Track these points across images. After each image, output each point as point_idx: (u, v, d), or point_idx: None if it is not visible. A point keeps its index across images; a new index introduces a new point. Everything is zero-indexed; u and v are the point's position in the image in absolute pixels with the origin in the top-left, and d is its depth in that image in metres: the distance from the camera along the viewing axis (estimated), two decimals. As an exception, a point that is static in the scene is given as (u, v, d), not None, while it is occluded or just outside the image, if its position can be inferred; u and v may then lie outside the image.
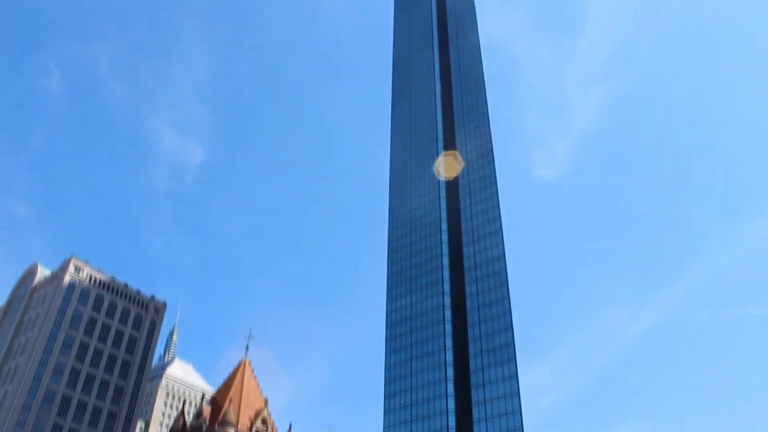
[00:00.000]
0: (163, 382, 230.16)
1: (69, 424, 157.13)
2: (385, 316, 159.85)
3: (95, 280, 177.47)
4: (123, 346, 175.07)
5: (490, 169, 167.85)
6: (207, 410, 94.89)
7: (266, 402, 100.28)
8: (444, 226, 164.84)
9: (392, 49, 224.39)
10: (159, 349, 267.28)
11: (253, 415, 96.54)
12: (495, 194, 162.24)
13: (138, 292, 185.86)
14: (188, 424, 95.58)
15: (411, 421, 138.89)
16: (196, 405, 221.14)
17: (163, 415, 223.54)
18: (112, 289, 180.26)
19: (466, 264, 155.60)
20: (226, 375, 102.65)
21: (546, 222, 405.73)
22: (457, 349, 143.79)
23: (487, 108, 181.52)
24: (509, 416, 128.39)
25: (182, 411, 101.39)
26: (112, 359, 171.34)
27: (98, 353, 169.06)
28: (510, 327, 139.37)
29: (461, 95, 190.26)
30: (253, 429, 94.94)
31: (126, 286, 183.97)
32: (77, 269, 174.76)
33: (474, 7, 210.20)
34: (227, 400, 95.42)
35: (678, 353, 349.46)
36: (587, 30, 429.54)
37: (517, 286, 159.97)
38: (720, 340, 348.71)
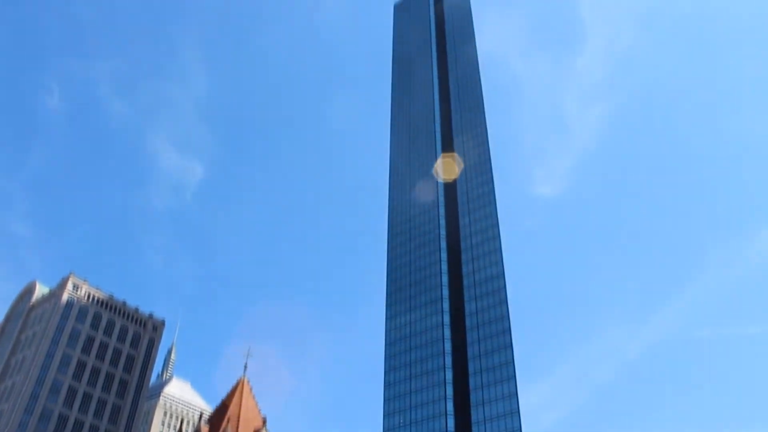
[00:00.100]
0: (161, 400, 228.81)
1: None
2: (384, 334, 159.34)
3: (93, 298, 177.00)
4: (121, 364, 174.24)
5: (489, 187, 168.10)
6: (205, 429, 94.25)
7: (265, 421, 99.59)
8: (443, 244, 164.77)
9: (391, 68, 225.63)
10: (157, 367, 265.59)
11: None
12: (494, 212, 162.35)
13: (136, 309, 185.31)
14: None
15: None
16: (194, 424, 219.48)
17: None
18: (111, 307, 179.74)
19: (465, 282, 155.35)
20: (224, 393, 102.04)
21: (545, 240, 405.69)
22: (457, 367, 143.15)
23: (485, 125, 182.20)
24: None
25: (180, 430, 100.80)
26: (109, 377, 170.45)
27: (96, 371, 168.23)
28: (510, 345, 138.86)
29: (460, 113, 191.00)
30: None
31: (124, 303, 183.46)
32: (75, 287, 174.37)
33: (472, 26, 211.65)
34: (225, 419, 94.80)
35: (678, 371, 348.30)
36: (586, 47, 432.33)
37: (516, 304, 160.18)
38: (720, 358, 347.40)
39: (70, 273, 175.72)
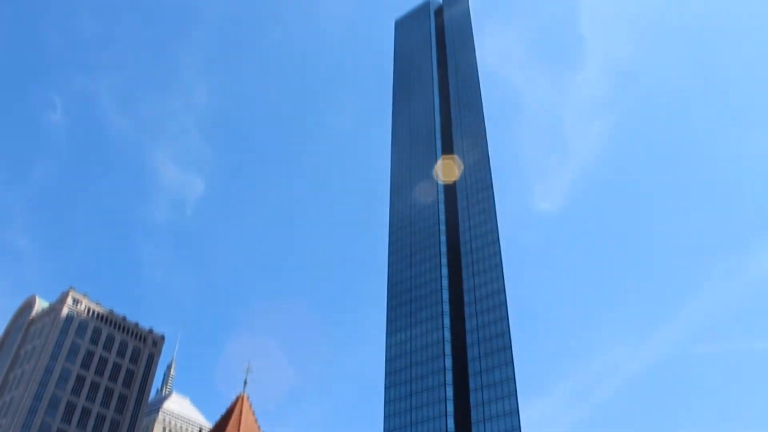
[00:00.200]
0: (160, 416, 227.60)
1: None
2: (384, 350, 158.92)
3: (93, 313, 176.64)
4: (120, 379, 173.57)
5: (490, 203, 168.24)
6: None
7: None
8: (444, 260, 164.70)
9: (392, 85, 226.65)
10: (156, 382, 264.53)
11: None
12: (495, 228, 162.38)
13: (136, 324, 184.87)
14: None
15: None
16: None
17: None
18: (111, 322, 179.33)
19: (466, 298, 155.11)
20: (223, 409, 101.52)
21: (546, 256, 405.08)
22: (458, 384, 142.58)
23: (486, 142, 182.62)
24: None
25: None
26: (108, 393, 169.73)
27: (95, 386, 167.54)
28: (510, 362, 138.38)
29: (460, 128, 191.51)
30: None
31: (124, 318, 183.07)
32: (75, 301, 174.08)
33: (473, 42, 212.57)
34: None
35: (680, 388, 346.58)
36: (586, 63, 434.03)
37: (517, 320, 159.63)
38: (722, 374, 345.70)
39: (70, 287, 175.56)
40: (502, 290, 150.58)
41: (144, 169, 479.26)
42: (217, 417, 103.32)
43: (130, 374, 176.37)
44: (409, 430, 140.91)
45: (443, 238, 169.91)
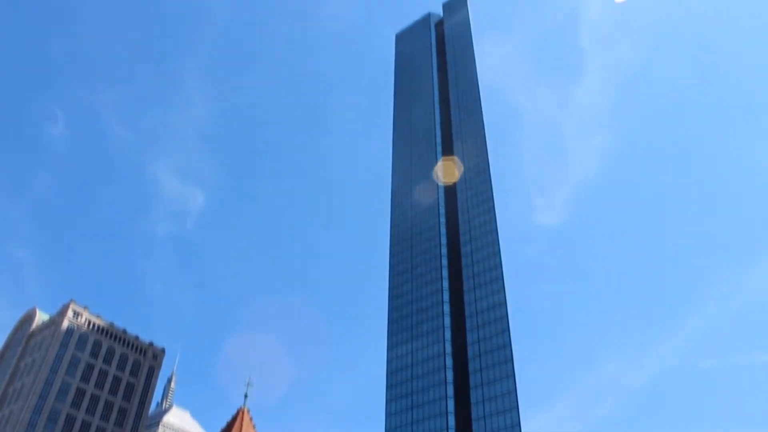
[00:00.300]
0: (161, 429, 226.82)
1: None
2: (385, 363, 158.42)
3: (94, 326, 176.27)
4: (120, 392, 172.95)
5: (490, 216, 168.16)
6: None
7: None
8: (445, 273, 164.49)
9: (393, 100, 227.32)
10: (156, 395, 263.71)
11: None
12: (495, 241, 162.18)
13: (136, 338, 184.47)
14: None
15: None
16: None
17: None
18: (111, 335, 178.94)
19: (467, 311, 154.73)
20: (224, 423, 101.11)
21: (547, 269, 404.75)
22: (459, 397, 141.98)
23: (487, 155, 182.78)
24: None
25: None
26: (108, 406, 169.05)
27: (95, 400, 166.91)
28: (512, 375, 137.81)
29: (461, 142, 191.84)
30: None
31: (125, 331, 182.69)
32: (76, 314, 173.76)
33: (473, 55, 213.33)
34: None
35: (682, 402, 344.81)
36: (586, 76, 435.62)
37: (518, 333, 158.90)
38: (724, 388, 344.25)
39: (71, 300, 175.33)
40: (504, 303, 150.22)
41: (145, 182, 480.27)
42: (218, 431, 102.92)
43: (130, 387, 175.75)
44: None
45: (444, 251, 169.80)
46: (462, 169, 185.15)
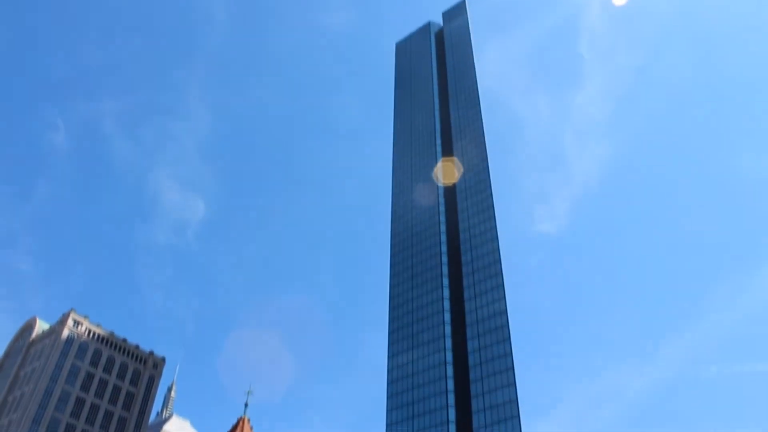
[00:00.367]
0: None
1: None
2: (386, 372, 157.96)
3: (94, 335, 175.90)
4: (120, 401, 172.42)
5: (491, 225, 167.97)
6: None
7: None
8: (446, 282, 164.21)
9: (393, 109, 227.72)
10: (157, 405, 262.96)
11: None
12: (496, 249, 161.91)
13: (137, 347, 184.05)
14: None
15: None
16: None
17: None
18: (111, 344, 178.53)
19: (468, 319, 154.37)
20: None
21: (548, 277, 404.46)
22: (460, 406, 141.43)
23: (487, 163, 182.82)
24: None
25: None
26: (108, 415, 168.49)
27: (94, 409, 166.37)
28: (513, 383, 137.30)
29: (462, 150, 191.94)
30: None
31: (125, 340, 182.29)
32: (76, 323, 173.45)
33: (474, 65, 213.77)
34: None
35: (683, 409, 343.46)
36: (585, 86, 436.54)
37: (519, 341, 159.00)
38: (727, 396, 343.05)
39: (71, 309, 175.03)
40: (504, 311, 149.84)
41: (146, 192, 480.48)
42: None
43: (130, 397, 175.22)
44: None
45: (445, 259, 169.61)
46: (462, 176, 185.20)
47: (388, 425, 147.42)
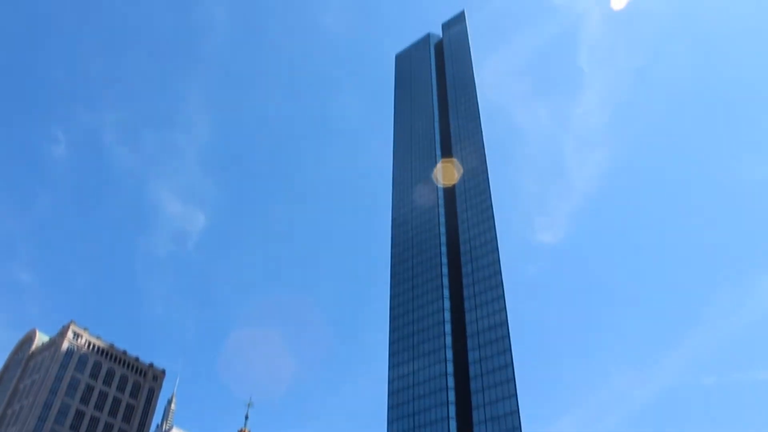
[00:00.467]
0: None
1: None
2: (387, 383, 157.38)
3: (94, 347, 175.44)
4: (120, 414, 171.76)
5: (491, 235, 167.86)
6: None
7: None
8: (446, 293, 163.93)
9: (393, 121, 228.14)
10: (157, 417, 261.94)
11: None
12: (497, 260, 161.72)
13: (137, 359, 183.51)
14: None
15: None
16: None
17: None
18: (111, 356, 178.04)
19: (468, 330, 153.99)
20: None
21: (548, 287, 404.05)
22: (461, 417, 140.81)
23: (487, 173, 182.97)
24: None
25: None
26: (108, 428, 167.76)
27: (94, 422, 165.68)
28: (514, 394, 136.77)
29: (462, 160, 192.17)
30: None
31: (125, 353, 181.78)
32: (76, 335, 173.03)
33: (473, 77, 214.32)
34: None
35: (684, 418, 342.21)
36: (584, 96, 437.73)
37: (520, 352, 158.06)
38: (727, 405, 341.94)
39: (71, 321, 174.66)
40: (505, 322, 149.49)
41: (146, 203, 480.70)
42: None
43: (130, 409, 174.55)
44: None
45: (445, 270, 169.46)
46: (462, 186, 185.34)
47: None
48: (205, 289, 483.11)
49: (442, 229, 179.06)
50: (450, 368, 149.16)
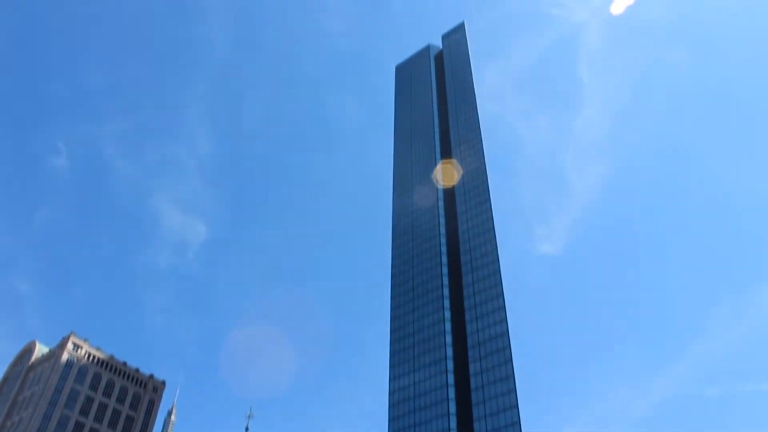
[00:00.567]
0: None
1: None
2: (388, 395, 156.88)
3: (94, 358, 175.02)
4: (120, 425, 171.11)
5: (492, 246, 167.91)
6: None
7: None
8: (447, 303, 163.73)
9: (393, 131, 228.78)
10: (156, 429, 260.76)
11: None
12: (497, 271, 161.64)
13: (137, 370, 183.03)
14: None
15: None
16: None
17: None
18: (111, 367, 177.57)
19: (469, 341, 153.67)
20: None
21: (549, 298, 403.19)
22: (462, 429, 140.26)
23: (487, 185, 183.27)
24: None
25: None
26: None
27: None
28: (515, 405, 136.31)
29: (462, 172, 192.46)
30: None
31: (125, 364, 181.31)
32: (76, 347, 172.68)
33: (473, 89, 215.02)
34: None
35: (688, 430, 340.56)
36: (584, 106, 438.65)
37: (521, 363, 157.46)
38: (731, 416, 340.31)
39: (71, 332, 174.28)
40: (506, 333, 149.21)
41: (146, 214, 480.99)
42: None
43: (129, 421, 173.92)
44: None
45: (446, 281, 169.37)
46: (463, 197, 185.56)
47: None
48: (205, 300, 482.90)
49: (443, 240, 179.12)
50: (451, 379, 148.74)
